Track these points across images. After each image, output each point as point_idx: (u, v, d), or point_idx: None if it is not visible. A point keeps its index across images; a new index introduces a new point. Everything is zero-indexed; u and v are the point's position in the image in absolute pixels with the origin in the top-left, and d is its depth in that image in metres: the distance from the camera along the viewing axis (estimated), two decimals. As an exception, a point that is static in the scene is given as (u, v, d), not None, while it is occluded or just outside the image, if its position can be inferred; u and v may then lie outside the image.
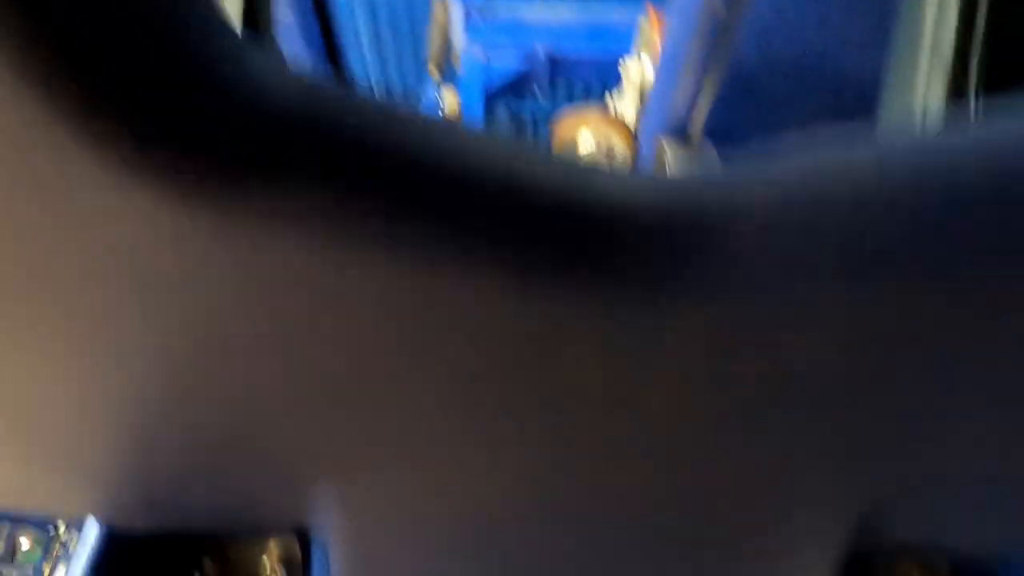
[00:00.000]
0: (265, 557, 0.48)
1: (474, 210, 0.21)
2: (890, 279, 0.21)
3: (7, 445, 0.34)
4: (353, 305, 0.24)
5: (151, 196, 0.19)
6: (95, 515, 0.43)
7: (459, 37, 2.55)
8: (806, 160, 0.22)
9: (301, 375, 0.28)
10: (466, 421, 0.30)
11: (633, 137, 1.60)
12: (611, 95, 1.82)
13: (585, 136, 1.62)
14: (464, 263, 0.22)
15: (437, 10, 2.53)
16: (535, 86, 2.63)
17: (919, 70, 0.46)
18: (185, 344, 0.27)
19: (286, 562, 0.48)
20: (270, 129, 0.19)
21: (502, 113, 2.97)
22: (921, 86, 0.46)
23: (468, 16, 2.56)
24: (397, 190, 0.21)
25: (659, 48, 1.40)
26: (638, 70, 1.65)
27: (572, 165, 0.22)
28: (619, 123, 1.62)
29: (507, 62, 2.54)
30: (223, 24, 0.20)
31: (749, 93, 1.29)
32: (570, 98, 4.44)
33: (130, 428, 0.32)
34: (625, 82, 1.70)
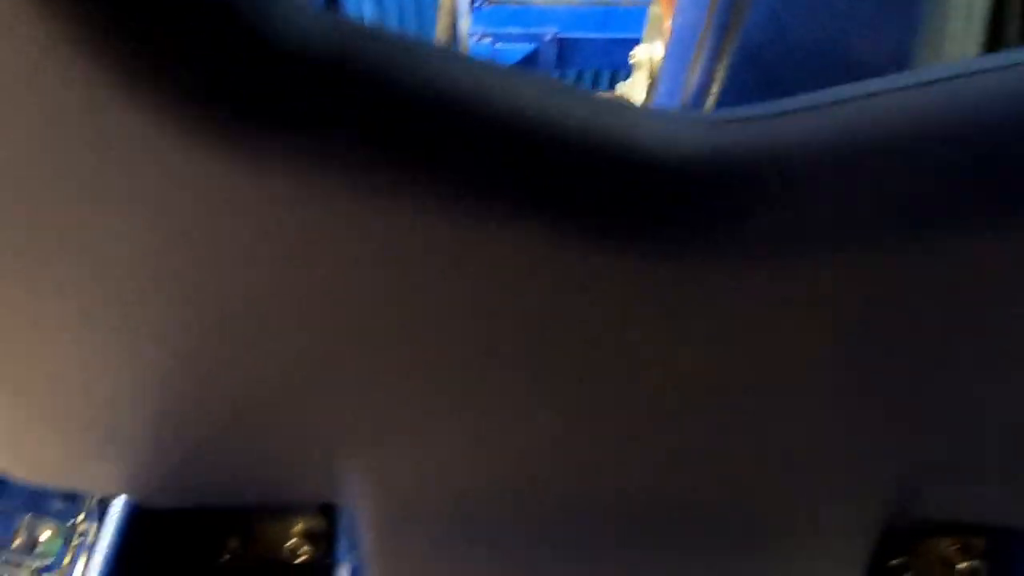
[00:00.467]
0: (291, 533, 0.48)
1: (504, 154, 0.20)
2: (955, 229, 0.20)
3: (40, 421, 0.34)
4: (378, 260, 0.23)
5: (171, 134, 0.19)
6: (125, 492, 0.42)
7: (466, 23, 2.54)
8: (849, 97, 0.21)
9: (327, 342, 0.27)
10: (494, 384, 0.29)
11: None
12: (621, 81, 1.80)
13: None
14: (495, 211, 0.21)
15: (444, -4, 2.51)
16: (543, 72, 2.62)
17: (951, 38, 0.45)
18: (214, 312, 0.26)
19: (312, 538, 0.48)
20: (294, 69, 0.19)
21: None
22: (953, 56, 0.45)
23: (475, 1, 2.55)
24: (423, 134, 0.20)
25: (670, 33, 1.39)
26: (648, 56, 1.64)
27: (609, 103, 0.22)
28: (629, 109, 1.61)
29: (515, 48, 2.53)
30: None
31: (761, 79, 1.27)
32: (579, 85, 4.41)
33: (160, 404, 0.32)
34: (635, 68, 1.68)
